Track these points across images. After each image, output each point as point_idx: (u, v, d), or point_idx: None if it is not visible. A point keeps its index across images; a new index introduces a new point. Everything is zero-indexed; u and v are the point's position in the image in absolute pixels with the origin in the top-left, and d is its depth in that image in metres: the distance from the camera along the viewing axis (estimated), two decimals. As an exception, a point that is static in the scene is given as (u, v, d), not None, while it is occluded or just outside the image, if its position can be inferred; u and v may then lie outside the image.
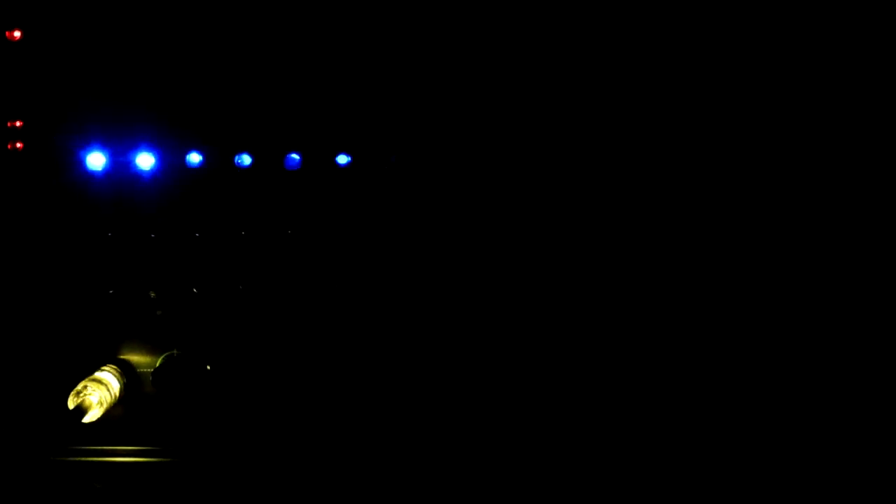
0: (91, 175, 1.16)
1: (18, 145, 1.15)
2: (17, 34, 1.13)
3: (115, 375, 1.17)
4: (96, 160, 1.15)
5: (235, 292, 1.18)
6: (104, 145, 1.15)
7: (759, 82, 1.13)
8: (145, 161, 1.16)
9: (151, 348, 1.19)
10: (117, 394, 1.16)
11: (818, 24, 1.12)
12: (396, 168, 1.16)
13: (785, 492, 1.17)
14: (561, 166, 1.15)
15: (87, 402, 1.11)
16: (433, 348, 1.19)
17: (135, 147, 1.15)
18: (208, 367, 1.19)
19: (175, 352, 1.19)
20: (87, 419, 1.12)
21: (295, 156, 1.16)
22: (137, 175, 1.16)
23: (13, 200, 1.15)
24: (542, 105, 1.14)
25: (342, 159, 1.16)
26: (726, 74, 1.14)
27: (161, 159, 1.16)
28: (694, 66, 1.13)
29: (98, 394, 1.13)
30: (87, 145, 1.15)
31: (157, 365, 1.19)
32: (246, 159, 1.16)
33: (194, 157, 1.16)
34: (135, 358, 1.20)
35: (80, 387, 1.13)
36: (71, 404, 1.11)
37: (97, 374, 1.16)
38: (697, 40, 1.13)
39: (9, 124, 1.14)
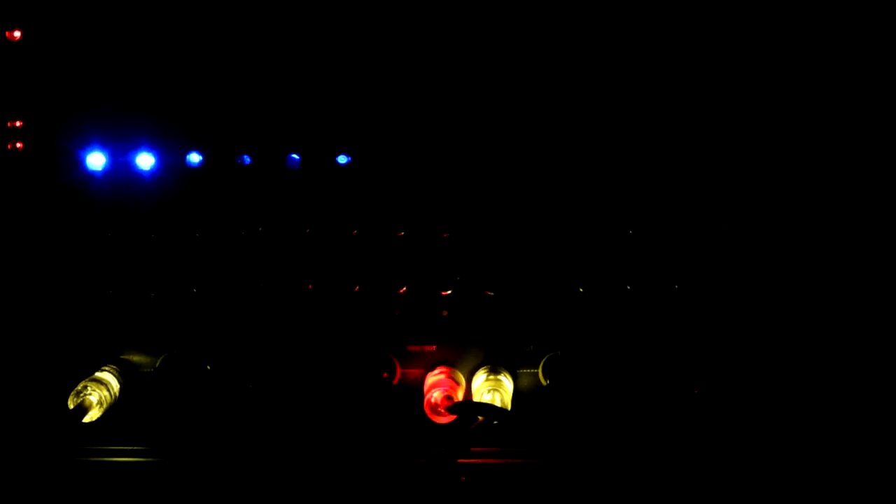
0: (91, 175, 1.16)
1: (18, 145, 1.15)
2: (17, 34, 1.13)
3: (115, 375, 1.17)
4: (96, 160, 1.15)
5: (236, 292, 1.18)
6: (104, 145, 1.15)
7: (759, 82, 1.13)
8: (145, 161, 1.16)
9: (151, 348, 1.19)
10: (117, 394, 1.16)
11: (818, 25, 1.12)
12: (397, 168, 1.16)
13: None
14: (562, 168, 1.15)
15: (87, 402, 1.11)
16: (435, 347, 1.19)
17: (135, 147, 1.15)
18: (208, 367, 1.18)
19: (175, 352, 1.19)
20: (86, 419, 1.11)
21: (295, 156, 1.16)
22: (137, 175, 1.16)
23: (13, 200, 1.15)
24: (542, 105, 1.14)
25: (342, 159, 1.16)
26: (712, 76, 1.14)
27: (161, 159, 1.16)
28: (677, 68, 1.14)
29: (98, 394, 1.13)
30: (87, 145, 1.15)
31: (157, 365, 1.18)
32: (246, 159, 1.16)
33: (194, 157, 1.16)
34: (135, 358, 1.20)
35: (79, 387, 1.13)
36: (71, 404, 1.11)
37: (97, 374, 1.16)
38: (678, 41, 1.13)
39: (9, 124, 1.14)
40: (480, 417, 1.11)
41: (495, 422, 1.11)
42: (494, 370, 1.17)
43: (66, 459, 1.19)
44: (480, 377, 1.17)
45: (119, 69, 1.14)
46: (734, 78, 1.13)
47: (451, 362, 1.19)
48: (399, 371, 1.18)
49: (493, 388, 1.14)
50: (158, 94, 1.15)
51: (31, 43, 1.13)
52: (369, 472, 1.19)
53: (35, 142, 1.15)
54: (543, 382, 1.18)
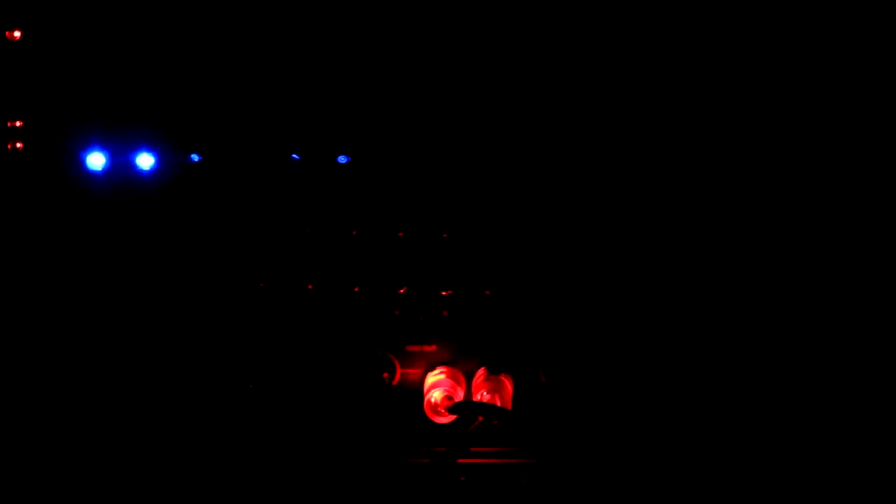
0: (91, 175, 1.16)
1: (18, 145, 1.15)
2: (17, 34, 1.13)
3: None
4: (96, 160, 1.15)
5: (235, 292, 1.18)
6: (104, 145, 1.15)
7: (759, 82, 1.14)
8: (145, 161, 1.16)
9: (151, 348, 1.19)
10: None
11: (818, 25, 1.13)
12: (398, 168, 1.16)
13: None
14: (562, 168, 1.15)
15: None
16: (435, 347, 1.20)
17: (135, 147, 1.15)
18: (209, 368, 1.18)
19: (176, 353, 1.19)
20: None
21: (295, 156, 1.16)
22: (137, 175, 1.16)
23: (13, 200, 1.15)
24: (542, 106, 1.14)
25: (342, 159, 1.16)
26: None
27: (161, 159, 1.16)
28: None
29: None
30: (87, 145, 1.15)
31: (160, 366, 1.18)
32: (246, 159, 1.16)
33: (194, 157, 1.16)
34: (135, 359, 1.20)
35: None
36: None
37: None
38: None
39: (9, 124, 1.14)
40: (480, 417, 1.11)
41: (495, 422, 1.11)
42: (494, 370, 1.17)
43: (67, 460, 1.19)
44: (480, 377, 1.17)
45: (119, 69, 1.14)
46: (746, 78, 1.14)
47: (451, 362, 1.19)
48: (399, 371, 1.18)
49: (493, 388, 1.14)
50: (159, 95, 1.15)
51: (31, 43, 1.13)
52: (369, 472, 1.19)
53: (35, 142, 1.15)
54: (543, 382, 1.18)
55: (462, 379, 1.18)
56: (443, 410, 1.13)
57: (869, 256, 1.15)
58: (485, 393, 1.14)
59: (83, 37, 1.13)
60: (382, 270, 1.18)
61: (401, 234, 1.17)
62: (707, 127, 1.14)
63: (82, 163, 1.15)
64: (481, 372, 1.18)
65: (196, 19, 1.14)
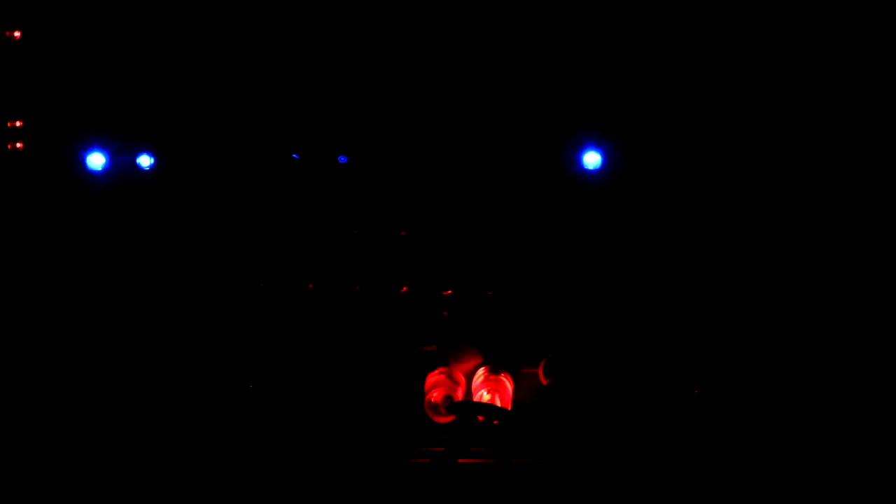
0: (91, 175, 1.16)
1: (18, 145, 1.15)
2: (17, 34, 1.13)
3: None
4: (96, 160, 1.15)
5: (236, 292, 1.18)
6: (104, 145, 1.15)
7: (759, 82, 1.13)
8: (146, 161, 1.16)
9: (151, 348, 1.19)
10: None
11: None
12: (399, 168, 1.16)
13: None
14: (562, 167, 1.15)
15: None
16: (435, 347, 1.20)
17: (135, 147, 1.15)
18: (209, 368, 1.19)
19: (176, 352, 1.19)
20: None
21: (296, 155, 1.16)
22: (137, 175, 1.16)
23: (13, 200, 1.15)
24: (541, 106, 1.14)
25: (343, 159, 1.16)
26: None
27: (161, 159, 1.16)
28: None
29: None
30: (88, 145, 1.15)
31: (160, 365, 1.19)
32: (246, 159, 1.16)
33: (194, 158, 1.16)
34: (136, 358, 1.20)
35: None
36: None
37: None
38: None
39: (9, 124, 1.14)
40: (480, 417, 1.11)
41: (495, 422, 1.11)
42: (494, 370, 1.17)
43: (69, 460, 1.19)
44: (480, 377, 1.17)
45: (119, 69, 1.14)
46: (739, 80, 1.13)
47: (451, 362, 1.19)
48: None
49: (493, 388, 1.15)
50: (159, 95, 1.15)
51: (31, 43, 1.13)
52: (369, 472, 1.19)
53: (35, 142, 1.15)
54: (543, 382, 1.18)
55: (462, 379, 1.18)
56: (443, 410, 1.13)
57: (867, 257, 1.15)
58: (485, 393, 1.14)
59: (83, 37, 1.13)
60: (383, 270, 1.18)
61: (402, 234, 1.17)
62: (704, 127, 1.14)
63: (82, 163, 1.15)
64: (481, 372, 1.18)
65: (196, 19, 1.14)
